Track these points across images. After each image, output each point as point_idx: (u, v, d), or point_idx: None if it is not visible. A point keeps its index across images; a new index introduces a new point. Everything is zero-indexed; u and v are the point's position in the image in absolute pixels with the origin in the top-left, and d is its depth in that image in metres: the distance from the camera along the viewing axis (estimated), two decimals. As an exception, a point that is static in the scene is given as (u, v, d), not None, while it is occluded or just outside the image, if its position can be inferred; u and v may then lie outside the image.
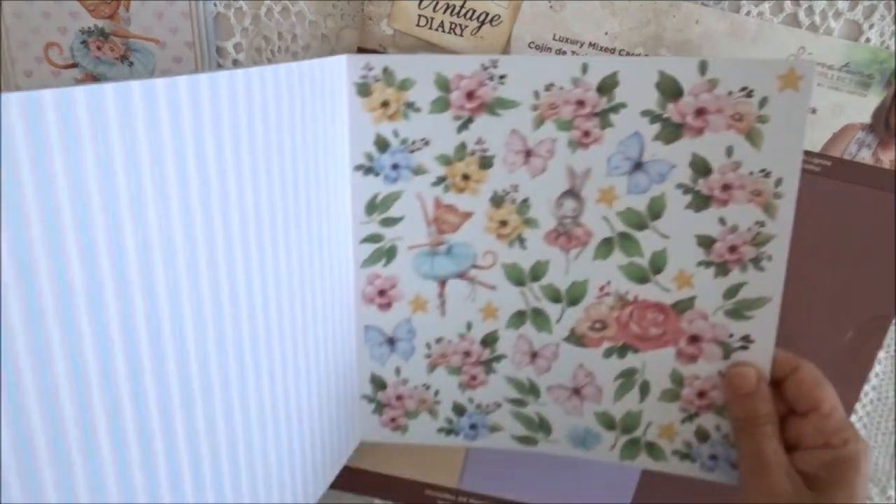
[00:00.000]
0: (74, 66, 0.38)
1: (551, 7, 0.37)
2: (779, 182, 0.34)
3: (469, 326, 0.38)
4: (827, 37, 0.37)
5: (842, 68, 0.37)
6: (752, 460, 0.34)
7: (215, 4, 0.38)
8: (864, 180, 0.39)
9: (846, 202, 0.39)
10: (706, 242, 0.35)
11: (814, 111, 0.38)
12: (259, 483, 0.33)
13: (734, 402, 0.35)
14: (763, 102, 0.33)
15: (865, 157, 0.38)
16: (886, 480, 0.46)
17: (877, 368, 0.42)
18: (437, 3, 0.37)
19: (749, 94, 0.33)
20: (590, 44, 0.37)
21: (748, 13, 0.37)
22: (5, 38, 0.37)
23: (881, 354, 0.42)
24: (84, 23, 0.37)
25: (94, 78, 0.38)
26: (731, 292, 0.36)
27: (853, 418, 0.44)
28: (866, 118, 0.38)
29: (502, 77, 0.35)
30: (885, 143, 0.38)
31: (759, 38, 0.37)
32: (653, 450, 0.39)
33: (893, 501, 0.46)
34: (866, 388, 0.43)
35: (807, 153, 0.38)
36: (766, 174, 0.34)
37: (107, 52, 0.38)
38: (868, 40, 0.37)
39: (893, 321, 0.41)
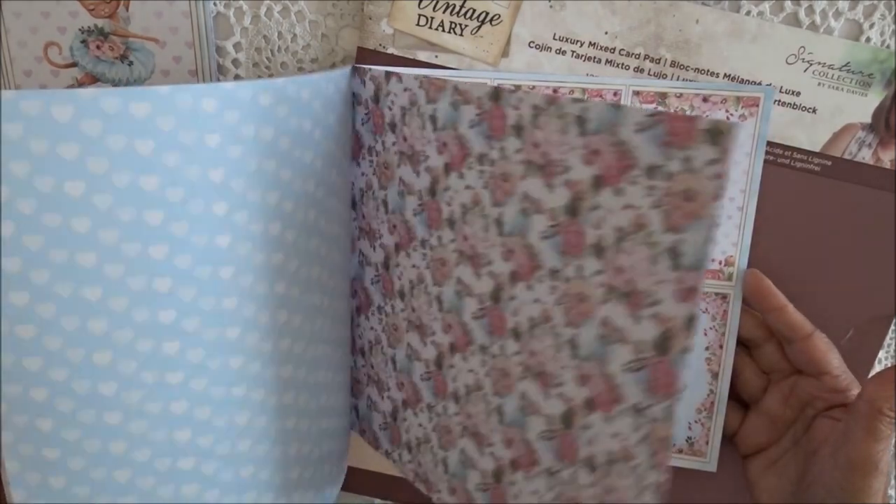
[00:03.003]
0: (74, 65, 0.38)
1: (551, 6, 0.37)
2: None
3: None
4: (827, 36, 0.37)
5: (842, 68, 0.37)
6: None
7: (215, 4, 0.38)
8: (864, 180, 0.39)
9: (846, 202, 0.39)
10: None
11: (814, 111, 0.38)
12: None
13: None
14: None
15: (866, 156, 0.38)
16: (888, 483, 0.46)
17: (877, 368, 0.42)
18: (437, 3, 0.37)
19: None
20: (590, 43, 0.37)
21: (748, 13, 0.37)
22: (5, 37, 0.37)
23: (881, 354, 0.42)
24: (83, 22, 0.37)
25: (94, 78, 0.38)
26: None
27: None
28: (867, 118, 0.38)
29: None
30: (886, 142, 0.38)
31: (760, 38, 0.37)
32: None
33: (894, 501, 0.45)
34: (866, 388, 0.43)
35: (807, 153, 0.38)
36: None
37: (106, 51, 0.38)
38: (868, 40, 0.37)
39: (893, 321, 0.41)
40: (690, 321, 0.25)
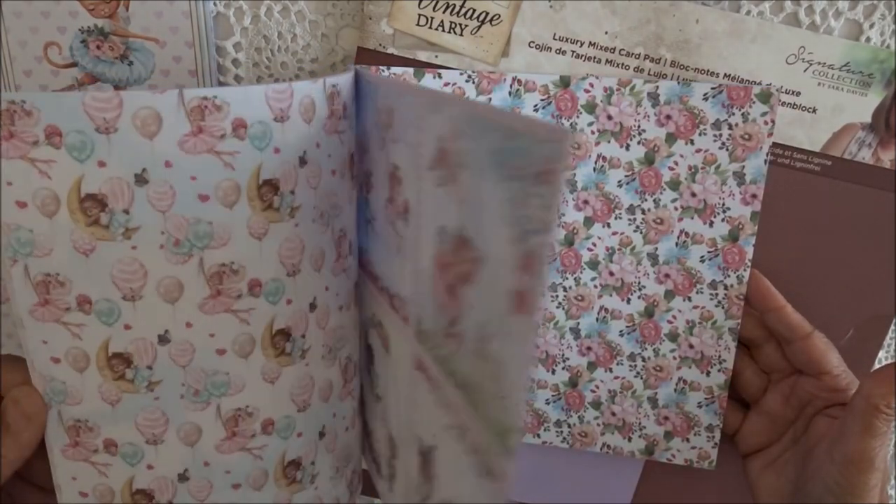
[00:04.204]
0: (74, 65, 0.38)
1: (551, 6, 0.37)
2: None
3: None
4: (827, 36, 0.37)
5: (842, 68, 0.37)
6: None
7: (215, 4, 0.38)
8: (864, 180, 0.39)
9: (846, 202, 0.39)
10: None
11: (814, 111, 0.38)
12: None
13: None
14: None
15: (866, 156, 0.38)
16: (886, 480, 0.46)
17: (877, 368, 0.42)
18: (436, 3, 0.37)
19: None
20: (590, 43, 0.37)
21: (748, 13, 0.37)
22: (5, 37, 0.37)
23: (881, 354, 0.42)
24: (83, 22, 0.37)
25: (94, 78, 0.38)
26: None
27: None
28: (867, 118, 0.38)
29: None
30: (886, 142, 0.38)
31: (759, 38, 0.37)
32: None
33: (894, 502, 0.45)
34: (866, 388, 0.43)
35: (807, 153, 0.38)
36: None
37: (106, 51, 0.38)
38: (868, 40, 0.37)
39: (893, 321, 0.41)
40: (755, 215, 0.37)
